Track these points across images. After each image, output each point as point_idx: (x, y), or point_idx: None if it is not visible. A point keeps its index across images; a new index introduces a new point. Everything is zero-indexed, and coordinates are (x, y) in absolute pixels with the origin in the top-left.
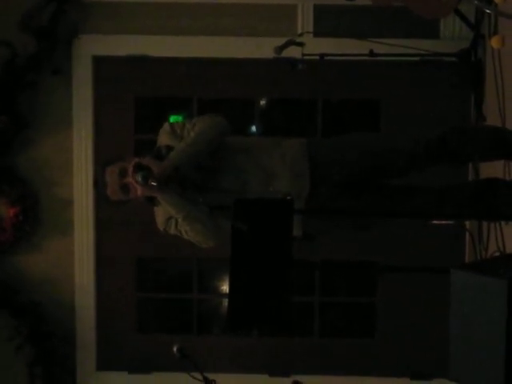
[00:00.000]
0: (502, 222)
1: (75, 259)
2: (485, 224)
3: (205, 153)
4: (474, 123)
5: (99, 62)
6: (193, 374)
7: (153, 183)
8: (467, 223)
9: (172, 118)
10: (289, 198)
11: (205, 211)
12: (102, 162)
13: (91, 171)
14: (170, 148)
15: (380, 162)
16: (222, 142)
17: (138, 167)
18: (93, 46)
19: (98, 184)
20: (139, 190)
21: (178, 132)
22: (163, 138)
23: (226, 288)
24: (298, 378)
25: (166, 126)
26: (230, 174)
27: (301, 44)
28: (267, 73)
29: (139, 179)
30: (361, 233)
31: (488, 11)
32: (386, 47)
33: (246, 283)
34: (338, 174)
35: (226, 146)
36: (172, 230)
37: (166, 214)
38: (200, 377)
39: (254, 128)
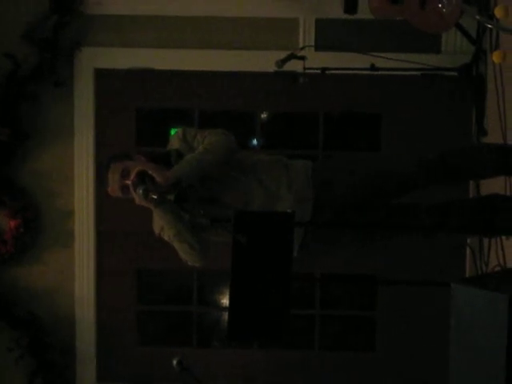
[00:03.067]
0: (503, 237)
1: (76, 271)
2: (485, 239)
3: (210, 170)
4: (475, 140)
5: (101, 75)
6: None
7: (153, 196)
8: (468, 238)
9: (173, 131)
10: (289, 211)
11: (193, 232)
12: (108, 157)
13: (92, 183)
14: (179, 154)
15: (382, 186)
16: (230, 159)
17: (142, 176)
18: (94, 58)
19: (100, 179)
20: (137, 200)
21: (189, 140)
22: (174, 142)
23: (226, 301)
24: None
25: (179, 130)
26: (235, 191)
27: (302, 58)
28: (269, 86)
29: (140, 192)
30: (364, 248)
31: (489, 26)
32: (388, 61)
33: (246, 295)
34: (340, 199)
35: (235, 162)
36: (166, 237)
37: None
38: None
39: (255, 141)
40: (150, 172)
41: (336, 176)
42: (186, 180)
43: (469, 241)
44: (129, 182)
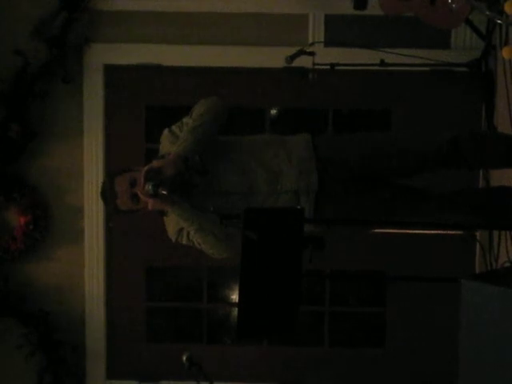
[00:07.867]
0: None
1: (85, 268)
2: (495, 233)
3: (208, 135)
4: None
5: (110, 71)
6: (202, 383)
7: (163, 192)
8: (477, 233)
9: None
10: (299, 207)
11: (215, 221)
12: (109, 173)
13: (102, 180)
14: None
15: (389, 160)
16: (225, 143)
17: (149, 174)
18: (104, 54)
19: (106, 195)
20: (150, 204)
21: (178, 132)
22: (165, 145)
23: (235, 297)
24: None
25: (165, 131)
26: (236, 175)
27: (312, 54)
28: (278, 82)
29: (149, 188)
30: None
31: (499, 22)
32: (397, 57)
33: (256, 292)
34: (344, 170)
35: (230, 146)
36: (184, 241)
37: (177, 225)
38: None
39: None
40: (156, 166)
41: (339, 149)
42: (190, 155)
43: (478, 236)
44: (138, 189)
